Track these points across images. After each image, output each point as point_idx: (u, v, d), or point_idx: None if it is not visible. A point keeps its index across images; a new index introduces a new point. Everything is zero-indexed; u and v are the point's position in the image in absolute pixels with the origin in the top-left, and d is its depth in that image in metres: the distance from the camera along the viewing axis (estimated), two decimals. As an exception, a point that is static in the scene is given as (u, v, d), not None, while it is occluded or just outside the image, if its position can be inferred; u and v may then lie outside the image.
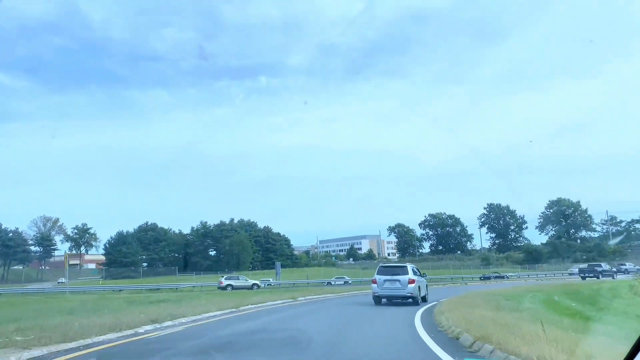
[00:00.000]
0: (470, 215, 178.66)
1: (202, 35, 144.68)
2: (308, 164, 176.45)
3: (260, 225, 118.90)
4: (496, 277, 66.15)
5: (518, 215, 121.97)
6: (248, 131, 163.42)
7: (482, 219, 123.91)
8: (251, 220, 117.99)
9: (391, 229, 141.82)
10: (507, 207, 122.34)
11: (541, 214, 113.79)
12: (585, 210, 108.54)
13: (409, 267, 22.46)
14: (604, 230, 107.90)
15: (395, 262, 33.08)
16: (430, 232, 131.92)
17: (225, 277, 51.31)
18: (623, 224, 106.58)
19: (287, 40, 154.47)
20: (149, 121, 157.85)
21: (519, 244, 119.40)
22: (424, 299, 22.90)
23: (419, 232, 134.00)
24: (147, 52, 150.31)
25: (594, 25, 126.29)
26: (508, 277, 67.00)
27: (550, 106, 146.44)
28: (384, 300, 21.93)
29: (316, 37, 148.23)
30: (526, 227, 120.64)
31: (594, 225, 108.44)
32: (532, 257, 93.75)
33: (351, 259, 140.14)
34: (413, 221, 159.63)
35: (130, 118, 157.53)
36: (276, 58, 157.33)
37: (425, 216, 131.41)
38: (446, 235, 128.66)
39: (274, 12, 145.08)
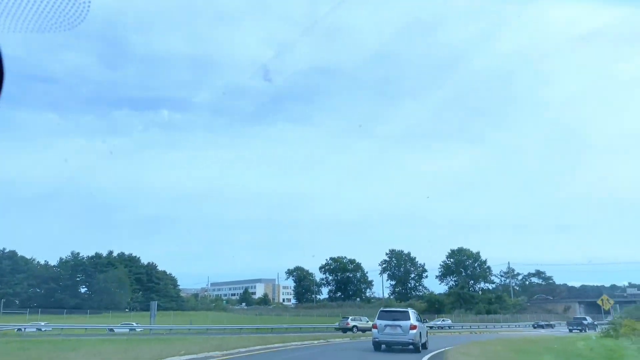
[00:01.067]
0: (371, 263, 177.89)
1: (103, 62, 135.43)
2: (205, 204, 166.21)
3: (144, 261, 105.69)
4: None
5: (419, 263, 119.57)
6: (145, 165, 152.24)
7: (384, 265, 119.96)
8: (133, 255, 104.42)
9: (289, 272, 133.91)
10: (409, 254, 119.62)
11: (442, 263, 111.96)
12: (485, 262, 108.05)
13: (411, 312, 21.60)
14: (502, 282, 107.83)
15: (395, 307, 36.45)
16: (330, 277, 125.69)
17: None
18: (520, 277, 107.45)
19: (195, 77, 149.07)
20: (34, 145, 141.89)
21: (418, 293, 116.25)
22: (424, 346, 21.72)
23: (318, 276, 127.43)
24: (42, 73, 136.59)
25: (482, 97, 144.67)
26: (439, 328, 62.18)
27: (446, 166, 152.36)
28: (383, 346, 20.92)
29: (225, 78, 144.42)
30: (426, 276, 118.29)
31: (492, 277, 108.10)
32: (434, 307, 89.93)
33: (244, 304, 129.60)
34: (313, 266, 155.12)
35: (14, 140, 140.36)
36: (181, 93, 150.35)
37: (327, 259, 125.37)
38: (346, 281, 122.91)
39: (184, 47, 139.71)
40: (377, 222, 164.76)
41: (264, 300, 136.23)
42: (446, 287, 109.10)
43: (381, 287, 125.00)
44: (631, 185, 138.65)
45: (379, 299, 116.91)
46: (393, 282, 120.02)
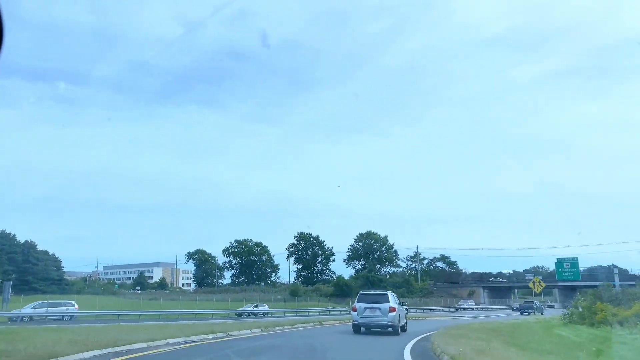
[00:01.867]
0: (279, 247, 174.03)
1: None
2: (103, 185, 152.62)
3: (21, 239, 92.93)
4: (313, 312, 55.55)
5: (327, 246, 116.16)
6: (37, 141, 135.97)
7: (291, 249, 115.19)
8: (7, 232, 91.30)
9: (190, 256, 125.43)
10: (317, 238, 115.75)
11: (350, 247, 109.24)
12: (392, 246, 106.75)
13: (390, 295, 21.69)
14: (409, 266, 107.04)
15: (376, 290, 31.94)
16: (234, 261, 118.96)
17: None
18: (426, 262, 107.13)
19: (97, 50, 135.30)
20: None
21: (325, 277, 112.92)
22: (403, 329, 21.89)
23: (222, 259, 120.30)
24: None
25: (391, 92, 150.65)
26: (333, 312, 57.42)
27: (356, 156, 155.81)
28: (362, 329, 21.00)
29: (130, 53, 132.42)
30: (334, 260, 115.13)
31: (398, 261, 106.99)
32: (342, 290, 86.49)
33: (138, 288, 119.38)
34: (216, 249, 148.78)
35: None
36: (81, 66, 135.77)
37: (231, 242, 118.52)
38: (251, 265, 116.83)
39: (86, 17, 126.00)
40: (286, 208, 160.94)
41: (161, 285, 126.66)
42: (353, 271, 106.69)
43: (287, 271, 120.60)
44: (523, 182, 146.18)
45: (283, 283, 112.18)
46: (300, 266, 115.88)
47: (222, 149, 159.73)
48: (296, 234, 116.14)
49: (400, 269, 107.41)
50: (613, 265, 74.49)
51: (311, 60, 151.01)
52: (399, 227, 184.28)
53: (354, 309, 21.28)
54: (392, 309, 20.54)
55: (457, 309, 74.20)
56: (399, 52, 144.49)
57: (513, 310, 62.43)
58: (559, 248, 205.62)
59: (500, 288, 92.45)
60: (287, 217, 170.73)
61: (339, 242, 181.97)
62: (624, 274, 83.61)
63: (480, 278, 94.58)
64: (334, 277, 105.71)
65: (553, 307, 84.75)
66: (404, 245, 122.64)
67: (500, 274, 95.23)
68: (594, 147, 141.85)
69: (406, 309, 25.76)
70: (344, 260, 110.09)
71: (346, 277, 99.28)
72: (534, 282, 37.44)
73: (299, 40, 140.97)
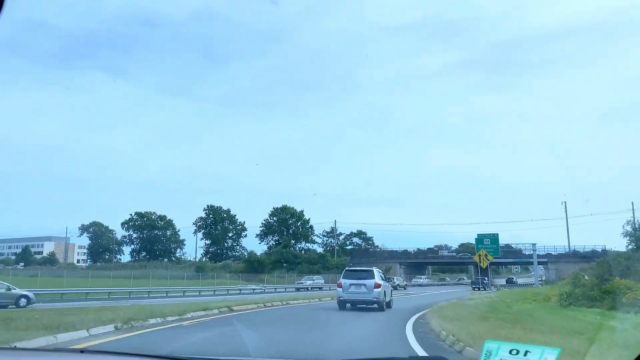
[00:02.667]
0: (187, 221, 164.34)
1: None
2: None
3: None
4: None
5: (239, 221, 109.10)
6: None
7: (199, 223, 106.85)
8: None
9: (84, 229, 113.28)
10: (228, 212, 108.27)
11: (264, 222, 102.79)
12: (308, 221, 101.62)
13: (375, 271, 22.07)
14: (325, 242, 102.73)
15: (360, 267, 29.05)
16: (135, 235, 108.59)
17: None
18: (342, 237, 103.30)
19: None
20: None
21: (235, 253, 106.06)
22: (389, 305, 22.00)
23: (120, 233, 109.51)
24: None
25: (308, 72, 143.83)
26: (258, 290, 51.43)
27: (270, 134, 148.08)
28: (348, 305, 21.19)
29: (26, 10, 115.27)
30: (245, 235, 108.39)
31: (314, 237, 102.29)
32: (254, 267, 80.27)
33: (22, 264, 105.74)
34: (115, 222, 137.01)
35: None
36: None
37: (131, 214, 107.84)
38: (153, 240, 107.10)
39: None
40: (197, 184, 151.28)
41: (50, 260, 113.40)
42: (267, 248, 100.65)
43: (194, 246, 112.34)
44: (428, 166, 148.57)
45: (189, 260, 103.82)
46: (208, 242, 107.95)
47: (130, 121, 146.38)
48: (205, 207, 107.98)
49: (317, 245, 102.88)
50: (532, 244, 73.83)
51: (227, 34, 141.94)
52: (315, 206, 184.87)
53: (339, 286, 21.36)
54: (378, 285, 20.71)
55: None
56: (316, 33, 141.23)
57: (473, 288, 62.22)
58: (467, 225, 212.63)
59: (416, 264, 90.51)
60: (198, 194, 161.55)
61: (253, 218, 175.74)
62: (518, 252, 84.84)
63: (403, 254, 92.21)
64: (246, 253, 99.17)
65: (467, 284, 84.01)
66: (320, 221, 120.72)
67: (419, 251, 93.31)
68: (493, 136, 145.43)
69: (392, 285, 25.53)
70: (257, 235, 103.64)
71: (259, 254, 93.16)
72: (479, 256, 33.47)
73: (215, 12, 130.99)
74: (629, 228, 60.11)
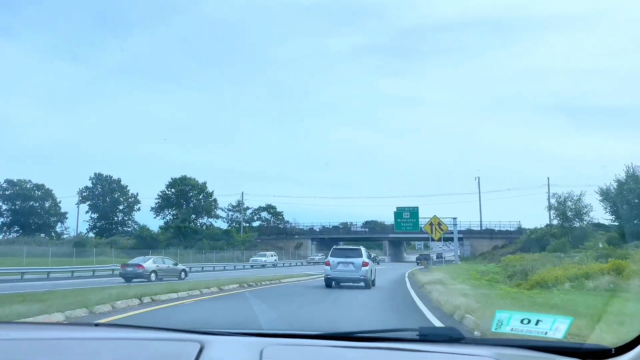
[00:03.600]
0: (70, 192, 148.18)
1: None
2: None
3: None
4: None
5: (131, 193, 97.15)
6: None
7: (84, 193, 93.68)
8: None
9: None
10: (119, 182, 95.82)
11: (160, 194, 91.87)
12: (212, 194, 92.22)
13: (363, 250, 22.38)
14: (230, 217, 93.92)
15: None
16: (6, 206, 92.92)
17: None
18: (250, 212, 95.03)
19: None
20: None
21: (127, 228, 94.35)
22: (373, 283, 22.21)
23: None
24: None
25: (213, 47, 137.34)
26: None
27: (173, 107, 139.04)
28: (333, 282, 21.58)
29: None
30: (139, 209, 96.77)
31: (218, 211, 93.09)
32: (146, 243, 70.03)
33: None
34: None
35: None
36: None
37: (0, 183, 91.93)
38: (28, 212, 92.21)
39: None
40: (86, 155, 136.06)
41: None
42: (163, 222, 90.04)
43: (77, 220, 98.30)
44: (334, 146, 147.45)
45: (71, 236, 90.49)
46: (95, 216, 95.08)
47: (9, 83, 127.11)
48: (92, 175, 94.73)
49: (220, 219, 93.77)
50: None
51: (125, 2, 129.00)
52: (221, 181, 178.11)
53: (327, 264, 21.70)
54: (365, 264, 21.11)
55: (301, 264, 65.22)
56: (222, 4, 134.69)
57: (418, 263, 62.50)
58: (374, 201, 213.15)
59: (329, 241, 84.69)
60: (87, 166, 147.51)
61: (149, 191, 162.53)
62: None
63: (318, 231, 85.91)
64: (139, 227, 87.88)
65: (384, 261, 79.43)
66: (225, 192, 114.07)
67: (332, 227, 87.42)
68: (391, 119, 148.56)
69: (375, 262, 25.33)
70: (152, 209, 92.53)
71: (155, 229, 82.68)
72: (431, 225, 26.68)
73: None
74: (553, 201, 57.77)
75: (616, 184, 55.32)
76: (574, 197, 55.06)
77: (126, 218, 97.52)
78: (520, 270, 24.48)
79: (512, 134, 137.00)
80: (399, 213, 66.50)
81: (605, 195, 56.72)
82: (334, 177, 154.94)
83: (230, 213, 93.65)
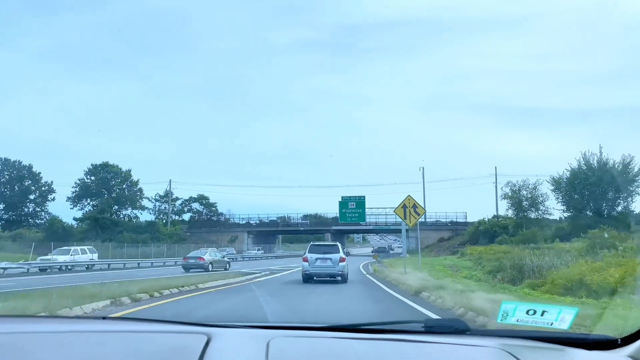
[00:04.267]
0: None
1: None
2: None
3: None
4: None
5: (44, 181, 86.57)
6: None
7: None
8: None
9: None
10: (30, 168, 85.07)
11: (79, 182, 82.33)
12: (137, 182, 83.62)
13: (340, 246, 23.27)
14: (157, 208, 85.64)
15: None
16: None
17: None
18: (179, 202, 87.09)
19: None
20: None
21: (39, 220, 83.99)
22: (347, 277, 22.65)
23: None
24: None
25: (148, 35, 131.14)
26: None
27: (103, 95, 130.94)
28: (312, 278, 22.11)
29: None
30: (54, 199, 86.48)
31: (144, 201, 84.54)
32: (59, 236, 61.31)
33: None
34: None
35: None
36: None
37: None
38: None
39: None
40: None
41: None
42: (81, 214, 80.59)
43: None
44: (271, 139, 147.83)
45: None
46: (1, 206, 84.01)
47: None
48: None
49: (147, 211, 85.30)
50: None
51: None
52: (152, 173, 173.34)
53: (305, 260, 22.08)
54: (342, 259, 21.84)
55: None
56: None
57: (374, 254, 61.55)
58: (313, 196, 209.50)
59: (267, 234, 78.69)
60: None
61: (68, 180, 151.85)
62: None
63: (255, 224, 79.53)
64: (51, 218, 77.97)
65: None
66: (153, 180, 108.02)
67: (272, 221, 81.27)
68: (331, 114, 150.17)
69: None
70: (69, 198, 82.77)
71: (71, 221, 73.49)
72: (404, 207, 21.08)
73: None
74: (507, 190, 54.73)
75: (569, 173, 53.06)
76: (529, 186, 52.12)
77: (39, 209, 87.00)
78: (512, 266, 19.84)
79: (452, 131, 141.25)
80: (344, 203, 61.78)
81: (557, 184, 54.41)
82: (274, 171, 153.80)
83: (157, 204, 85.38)
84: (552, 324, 2.14)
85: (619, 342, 1.97)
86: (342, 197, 60.16)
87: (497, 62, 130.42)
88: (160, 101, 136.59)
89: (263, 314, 10.61)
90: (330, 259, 21.51)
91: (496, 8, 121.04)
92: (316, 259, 21.70)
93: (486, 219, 65.40)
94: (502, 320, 2.23)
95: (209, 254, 34.66)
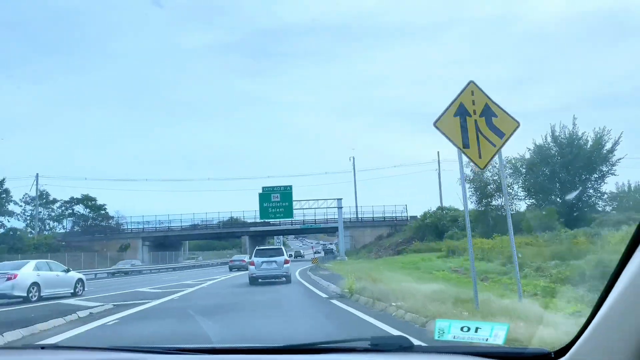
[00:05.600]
0: None
1: None
2: None
3: None
4: None
5: None
6: None
7: None
8: None
9: None
10: None
11: None
12: (2, 182, 66.12)
13: (284, 249, 24.86)
14: (26, 212, 68.03)
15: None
16: None
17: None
18: (58, 204, 69.95)
19: None
20: None
21: None
22: (290, 278, 23.47)
23: None
24: None
25: (46, 35, 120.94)
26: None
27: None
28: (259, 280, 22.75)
29: None
30: None
31: (10, 205, 66.74)
32: None
33: None
34: None
35: None
36: None
37: None
38: None
39: None
40: None
41: None
42: None
43: None
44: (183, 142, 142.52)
45: None
46: None
47: None
48: None
49: (17, 217, 67.68)
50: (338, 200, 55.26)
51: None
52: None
53: (252, 264, 22.82)
54: (287, 261, 22.87)
55: (116, 273, 44.06)
56: None
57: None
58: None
59: (169, 241, 64.18)
60: None
61: None
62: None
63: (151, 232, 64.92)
64: None
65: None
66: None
67: (169, 229, 67.00)
68: (250, 120, 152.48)
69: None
70: None
71: None
72: (462, 111, 10.55)
73: None
74: (468, 172, 45.24)
75: (531, 151, 44.80)
76: (495, 166, 43.03)
77: None
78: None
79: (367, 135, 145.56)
80: (265, 195, 49.46)
81: (515, 167, 46.14)
82: (192, 174, 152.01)
83: (27, 207, 67.81)
84: (487, 339, 2.15)
85: (553, 356, 1.95)
86: (264, 187, 48.25)
87: (412, 67, 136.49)
88: (64, 105, 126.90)
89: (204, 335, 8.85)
90: (276, 261, 22.48)
91: (409, 16, 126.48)
92: (262, 262, 22.56)
93: (431, 212, 56.12)
94: (439, 337, 2.23)
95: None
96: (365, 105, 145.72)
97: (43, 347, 2.63)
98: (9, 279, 17.38)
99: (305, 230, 76.31)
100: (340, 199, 54.55)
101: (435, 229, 51.31)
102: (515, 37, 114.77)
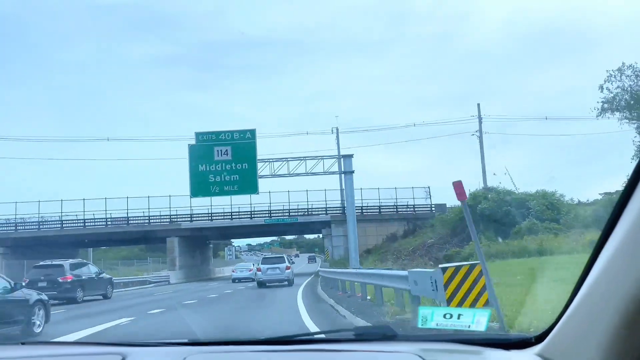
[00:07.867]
0: None
1: None
2: None
3: None
4: None
5: None
6: None
7: None
8: None
9: None
10: None
11: None
12: None
13: (285, 256, 30.44)
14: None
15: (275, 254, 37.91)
16: None
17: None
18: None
19: None
20: None
21: None
22: (292, 282, 27.83)
23: None
24: None
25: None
26: None
27: None
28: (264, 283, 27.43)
29: None
30: None
31: None
32: None
33: None
34: None
35: None
36: None
37: None
38: None
39: None
40: None
41: None
42: None
43: None
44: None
45: None
46: None
47: None
48: None
49: None
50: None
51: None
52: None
53: (259, 270, 27.86)
54: (288, 267, 27.44)
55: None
56: None
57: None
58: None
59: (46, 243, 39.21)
60: None
61: None
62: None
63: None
64: None
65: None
66: None
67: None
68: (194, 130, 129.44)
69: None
70: None
71: None
72: None
73: None
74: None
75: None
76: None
77: None
78: None
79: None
80: (203, 149, 26.30)
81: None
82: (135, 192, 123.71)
83: None
84: (469, 326, 2.16)
85: (533, 341, 1.96)
86: (196, 133, 25.97)
87: (357, 83, 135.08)
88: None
89: (185, 330, 9.86)
90: (279, 267, 27.03)
91: (354, 33, 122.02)
92: (267, 268, 27.21)
93: (480, 191, 35.51)
94: (422, 325, 2.25)
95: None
96: (313, 119, 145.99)
97: (23, 343, 2.59)
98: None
99: (278, 230, 53.13)
100: (351, 155, 34.52)
101: (494, 220, 31.17)
102: (456, 55, 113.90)
